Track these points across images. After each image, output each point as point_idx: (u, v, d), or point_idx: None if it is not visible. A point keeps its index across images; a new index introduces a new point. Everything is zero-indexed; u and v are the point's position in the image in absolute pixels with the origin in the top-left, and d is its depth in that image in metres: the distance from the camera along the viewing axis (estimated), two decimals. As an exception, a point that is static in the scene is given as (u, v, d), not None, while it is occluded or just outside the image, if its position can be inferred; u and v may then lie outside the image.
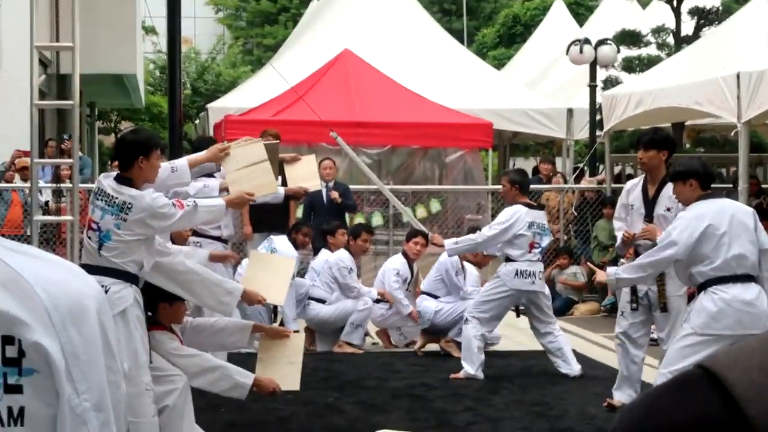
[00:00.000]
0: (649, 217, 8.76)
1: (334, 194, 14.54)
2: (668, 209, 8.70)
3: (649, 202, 8.80)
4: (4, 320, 1.49)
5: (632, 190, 9.01)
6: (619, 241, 8.92)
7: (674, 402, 1.04)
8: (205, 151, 7.74)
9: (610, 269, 8.02)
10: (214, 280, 7.20)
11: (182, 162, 7.55)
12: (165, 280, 6.97)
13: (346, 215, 15.12)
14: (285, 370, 7.46)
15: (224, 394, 7.22)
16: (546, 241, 10.90)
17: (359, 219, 15.16)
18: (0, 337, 1.50)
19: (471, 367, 10.64)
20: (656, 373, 8.18)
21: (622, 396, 9.03)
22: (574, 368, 10.68)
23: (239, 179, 7.41)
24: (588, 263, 15.80)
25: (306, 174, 8.54)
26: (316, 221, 14.12)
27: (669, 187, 8.66)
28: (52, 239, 15.28)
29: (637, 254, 8.54)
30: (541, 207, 11.31)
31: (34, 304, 1.51)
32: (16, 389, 1.50)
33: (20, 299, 1.51)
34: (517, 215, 10.55)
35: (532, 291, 10.66)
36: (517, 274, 10.57)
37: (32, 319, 1.50)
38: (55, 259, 1.61)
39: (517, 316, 11.38)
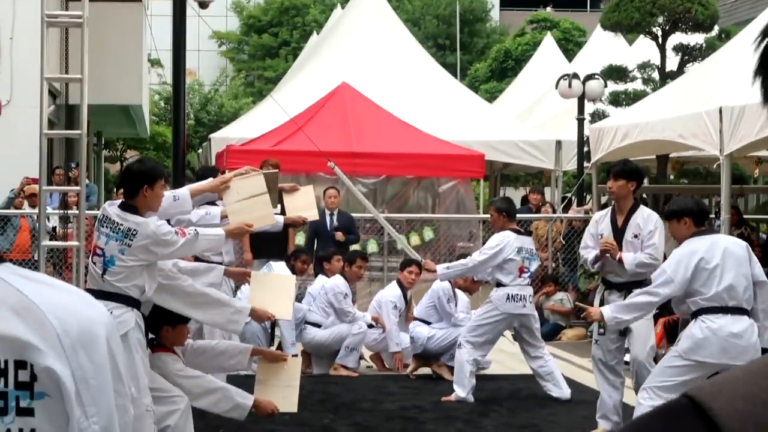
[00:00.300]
0: (617, 244, 8.87)
1: (339, 236, 14.62)
2: (635, 236, 8.86)
3: (618, 231, 8.90)
4: (17, 345, 1.51)
5: (601, 221, 9.14)
6: (592, 257, 8.98)
7: (660, 430, 1.05)
8: (206, 182, 7.78)
9: (606, 311, 7.95)
10: (223, 300, 7.27)
11: (184, 191, 7.59)
12: (175, 302, 7.01)
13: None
14: (283, 392, 7.49)
15: (225, 414, 7.25)
16: (534, 266, 10.92)
17: (355, 246, 15.17)
18: (13, 361, 1.51)
19: (462, 390, 10.64)
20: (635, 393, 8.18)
21: (606, 424, 9.02)
22: (564, 391, 10.68)
23: (239, 210, 7.44)
24: (578, 303, 15.83)
25: (304, 204, 8.56)
26: (320, 247, 14.15)
27: (636, 216, 8.84)
28: (58, 264, 15.27)
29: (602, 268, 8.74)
30: (528, 233, 11.31)
31: (46, 330, 1.52)
32: (28, 412, 1.51)
33: (33, 325, 1.52)
34: (506, 241, 10.56)
35: (523, 314, 10.68)
36: (508, 298, 10.58)
37: (44, 345, 1.52)
38: (66, 286, 1.62)
39: (514, 339, 11.36)
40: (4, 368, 1.51)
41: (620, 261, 8.78)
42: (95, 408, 1.54)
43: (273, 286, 7.86)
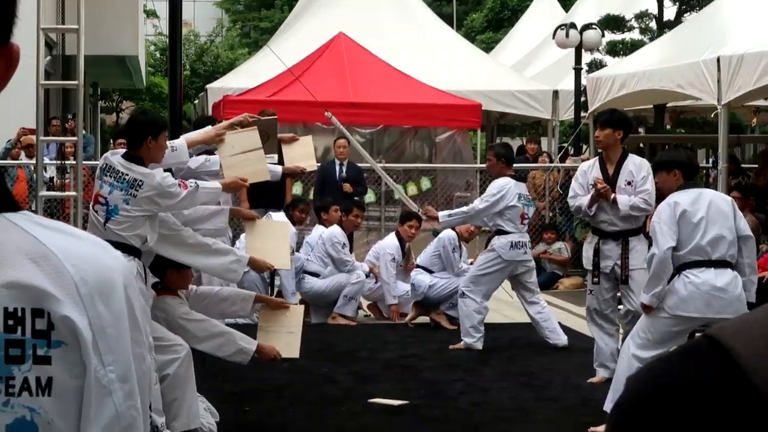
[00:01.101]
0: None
1: (347, 187, 14.62)
2: (628, 183, 8.84)
3: (609, 179, 8.88)
4: (34, 294, 1.50)
5: (589, 171, 9.08)
6: (586, 201, 8.94)
7: (679, 367, 1.06)
8: (202, 131, 7.80)
9: (644, 298, 7.70)
10: (222, 249, 7.30)
11: (181, 142, 7.64)
12: (175, 251, 7.07)
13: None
14: (285, 339, 7.52)
15: (228, 358, 7.28)
16: (531, 212, 10.93)
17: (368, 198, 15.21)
18: (30, 310, 1.50)
19: (471, 338, 10.66)
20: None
21: (605, 372, 9.04)
22: (561, 338, 10.73)
23: (234, 165, 7.48)
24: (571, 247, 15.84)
25: (303, 154, 8.53)
26: (328, 197, 14.16)
27: (627, 163, 8.82)
28: (56, 214, 15.25)
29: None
30: (522, 179, 11.24)
31: (63, 278, 1.51)
32: (45, 360, 1.51)
33: (50, 274, 1.51)
34: (507, 187, 10.53)
35: (524, 261, 10.70)
36: (512, 245, 10.57)
37: (61, 294, 1.51)
38: (84, 234, 1.61)
39: (512, 288, 11.36)
40: (21, 317, 1.50)
41: (614, 202, 8.78)
42: (112, 356, 1.53)
43: (269, 234, 7.87)
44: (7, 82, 1.63)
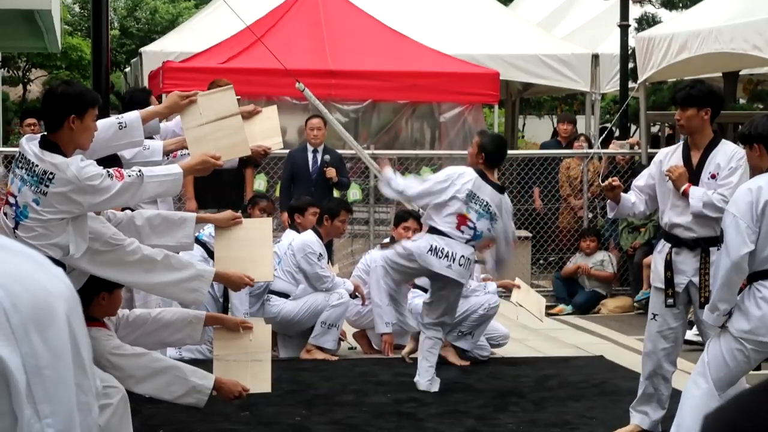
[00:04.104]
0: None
1: (331, 171, 14.61)
2: (713, 176, 8.67)
3: (693, 171, 8.76)
4: None
5: (667, 159, 8.95)
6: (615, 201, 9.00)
7: (765, 407, 1.08)
8: (163, 103, 7.70)
9: (706, 314, 7.67)
10: (176, 263, 7.17)
11: (133, 116, 7.48)
12: (116, 273, 6.96)
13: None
14: (251, 369, 7.43)
15: (178, 401, 7.21)
16: (482, 227, 10.71)
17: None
18: None
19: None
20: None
21: (644, 420, 9.04)
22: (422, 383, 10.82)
23: (202, 137, 7.33)
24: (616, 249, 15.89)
25: (266, 129, 8.42)
26: (298, 193, 14.14)
27: (717, 152, 8.65)
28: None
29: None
30: (502, 190, 11.16)
31: None
32: None
33: None
34: (458, 176, 10.62)
35: (444, 277, 10.73)
36: (431, 250, 10.62)
37: None
38: (17, 246, 1.58)
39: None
40: None
41: (685, 194, 8.66)
42: (50, 406, 1.49)
43: (244, 237, 7.74)
44: None
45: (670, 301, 8.76)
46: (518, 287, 12.39)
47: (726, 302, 7.34)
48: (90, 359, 1.55)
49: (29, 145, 6.76)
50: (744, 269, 7.30)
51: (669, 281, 8.73)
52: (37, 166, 6.64)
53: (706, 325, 8.54)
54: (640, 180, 9.09)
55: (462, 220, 10.60)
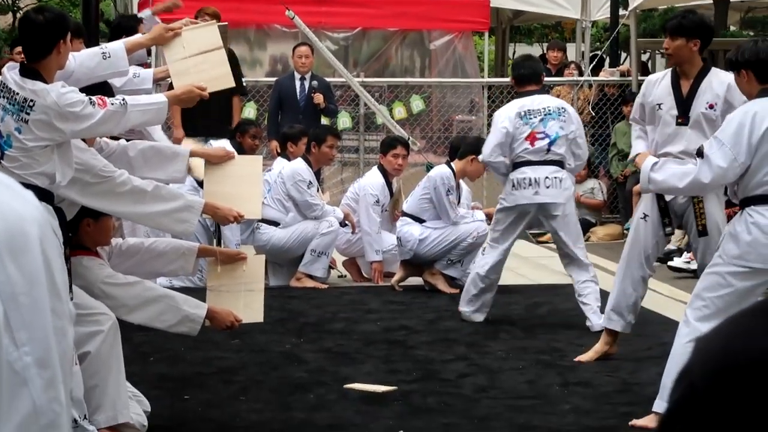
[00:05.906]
0: (684, 117, 8.60)
1: (318, 97, 14.56)
2: (710, 106, 8.57)
3: (684, 100, 8.66)
4: None
5: (657, 85, 8.84)
6: (632, 154, 8.86)
7: (759, 328, 1.08)
8: (148, 33, 7.67)
9: (647, 164, 7.69)
10: (165, 194, 7.12)
11: (117, 45, 7.37)
12: (106, 203, 6.93)
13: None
14: (244, 299, 7.43)
15: (171, 329, 7.18)
16: (554, 128, 10.47)
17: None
18: None
19: (467, 305, 10.69)
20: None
21: (618, 322, 8.98)
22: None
23: (187, 70, 7.34)
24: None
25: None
26: (286, 121, 14.10)
27: (710, 79, 8.57)
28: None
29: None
30: (546, 90, 11.00)
31: None
32: None
33: None
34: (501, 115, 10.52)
35: (540, 204, 10.49)
36: (515, 185, 10.43)
37: None
38: None
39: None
40: None
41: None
42: (27, 333, 1.48)
43: (233, 173, 7.74)
44: None
45: (669, 229, 8.74)
46: None
47: (665, 183, 7.55)
48: (64, 282, 1.53)
49: (10, 73, 6.72)
50: (709, 189, 7.48)
51: (664, 209, 8.67)
52: (17, 94, 6.58)
53: (702, 253, 8.55)
54: (640, 113, 8.94)
55: (532, 136, 10.43)
